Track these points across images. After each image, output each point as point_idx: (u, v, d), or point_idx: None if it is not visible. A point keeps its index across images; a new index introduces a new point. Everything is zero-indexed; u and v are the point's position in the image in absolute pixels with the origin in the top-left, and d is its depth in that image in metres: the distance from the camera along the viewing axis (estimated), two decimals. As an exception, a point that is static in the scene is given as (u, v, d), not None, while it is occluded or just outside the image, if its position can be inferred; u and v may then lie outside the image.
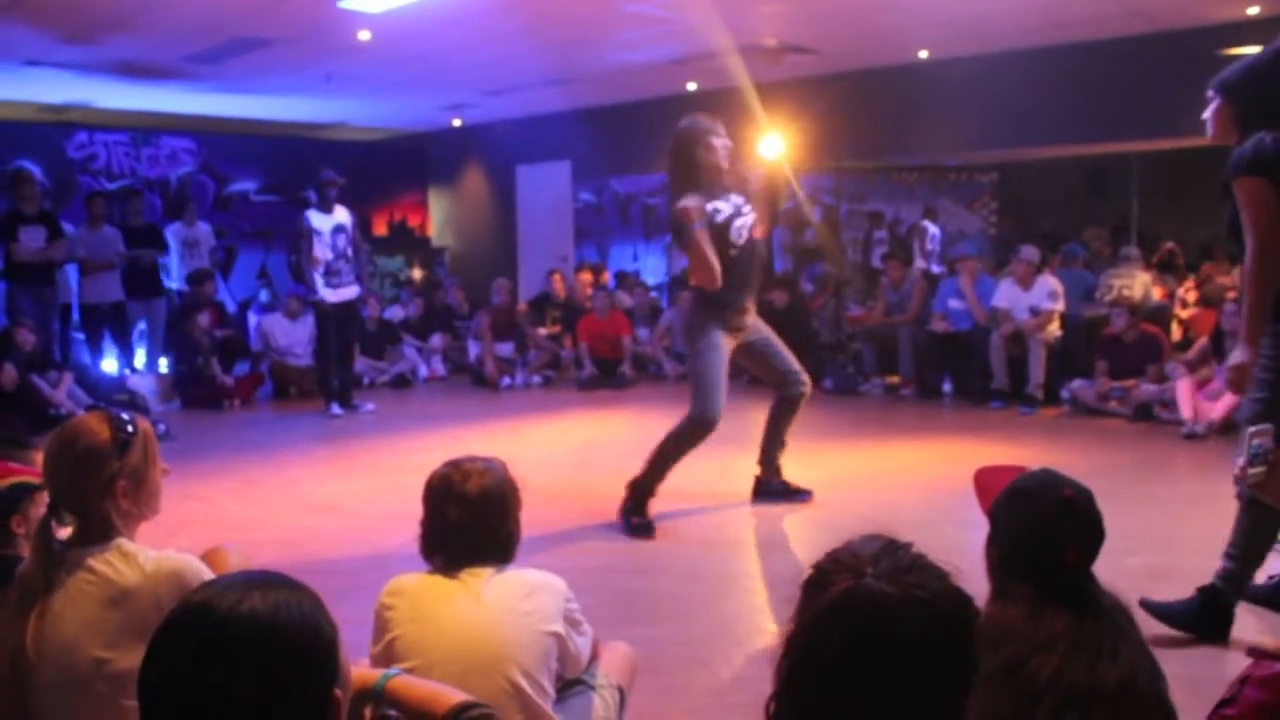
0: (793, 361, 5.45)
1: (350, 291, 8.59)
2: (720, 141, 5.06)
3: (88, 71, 9.89)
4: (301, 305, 9.87)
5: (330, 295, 8.45)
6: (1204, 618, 3.44)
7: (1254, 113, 3.41)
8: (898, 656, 1.19)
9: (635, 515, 5.11)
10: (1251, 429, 2.37)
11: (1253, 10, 8.06)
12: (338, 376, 8.83)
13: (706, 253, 4.87)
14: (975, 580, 1.34)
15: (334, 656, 1.18)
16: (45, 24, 8.12)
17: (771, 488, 5.62)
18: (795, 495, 5.59)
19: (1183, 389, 7.25)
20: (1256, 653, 1.67)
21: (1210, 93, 3.53)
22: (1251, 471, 2.36)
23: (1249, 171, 3.32)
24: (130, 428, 2.10)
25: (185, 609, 1.16)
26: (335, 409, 8.61)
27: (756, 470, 5.67)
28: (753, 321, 5.27)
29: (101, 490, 2.03)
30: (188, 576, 1.96)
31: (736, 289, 5.05)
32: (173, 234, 11.10)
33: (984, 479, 2.08)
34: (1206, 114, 3.55)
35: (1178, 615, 3.43)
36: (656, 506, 5.44)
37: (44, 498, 2.15)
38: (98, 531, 2.03)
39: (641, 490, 5.13)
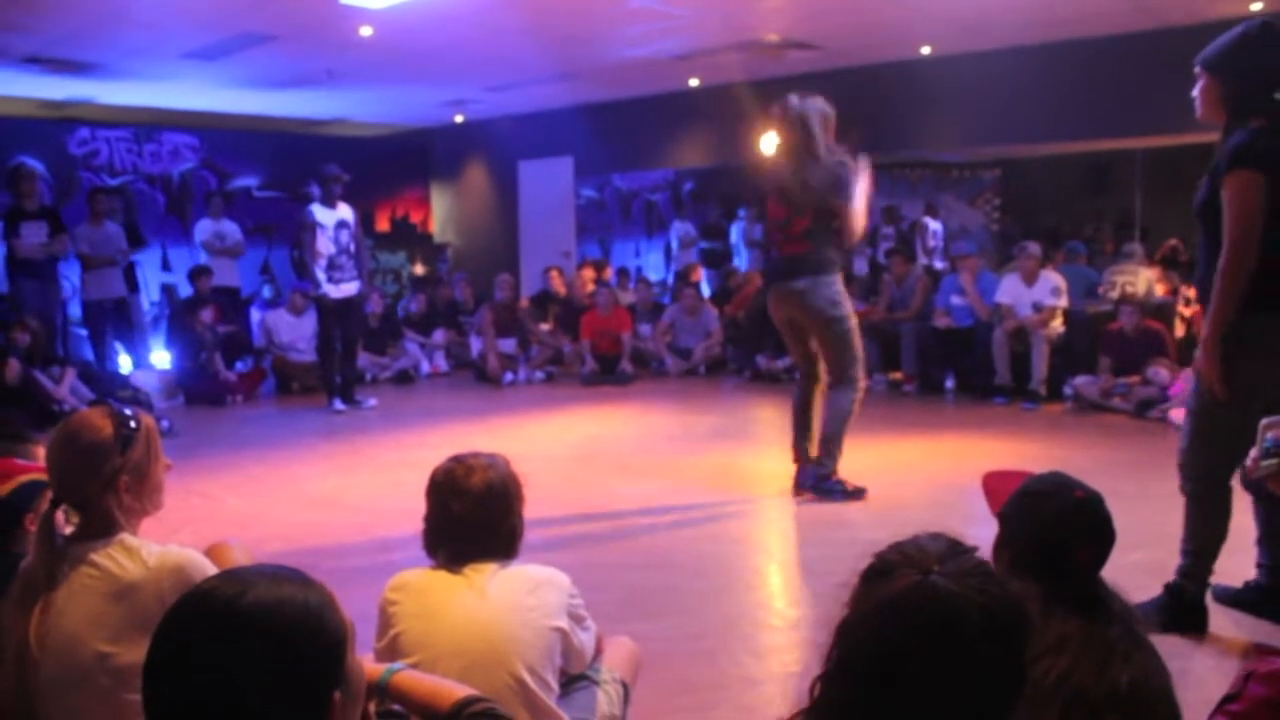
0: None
1: (351, 288, 8.59)
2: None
3: (90, 67, 9.88)
4: (306, 301, 9.87)
5: (332, 291, 8.46)
6: (1178, 613, 3.50)
7: (1240, 90, 3.34)
8: (955, 657, 1.19)
9: (842, 484, 5.41)
10: (1265, 421, 2.36)
11: (1256, 6, 8.05)
12: (341, 372, 8.86)
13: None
14: None
15: (338, 658, 1.17)
16: (48, 19, 8.12)
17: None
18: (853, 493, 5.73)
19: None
20: (1263, 649, 1.67)
21: (1196, 69, 3.45)
22: (1264, 464, 2.35)
23: (1242, 164, 3.23)
24: (133, 423, 2.10)
25: (191, 595, 1.17)
26: (338, 405, 8.63)
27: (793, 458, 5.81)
28: None
29: (104, 485, 2.03)
30: (191, 571, 1.95)
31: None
32: (200, 230, 11.11)
33: (992, 482, 2.07)
34: (1195, 91, 3.47)
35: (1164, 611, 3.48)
36: (659, 499, 5.49)
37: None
38: (100, 527, 2.03)
39: (832, 467, 5.44)
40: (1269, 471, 2.36)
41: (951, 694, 1.20)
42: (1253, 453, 2.39)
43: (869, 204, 5.44)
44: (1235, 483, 3.43)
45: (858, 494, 5.42)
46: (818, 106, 5.43)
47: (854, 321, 5.49)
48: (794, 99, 5.45)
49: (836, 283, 5.42)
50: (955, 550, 1.29)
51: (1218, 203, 3.31)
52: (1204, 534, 3.49)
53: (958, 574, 1.24)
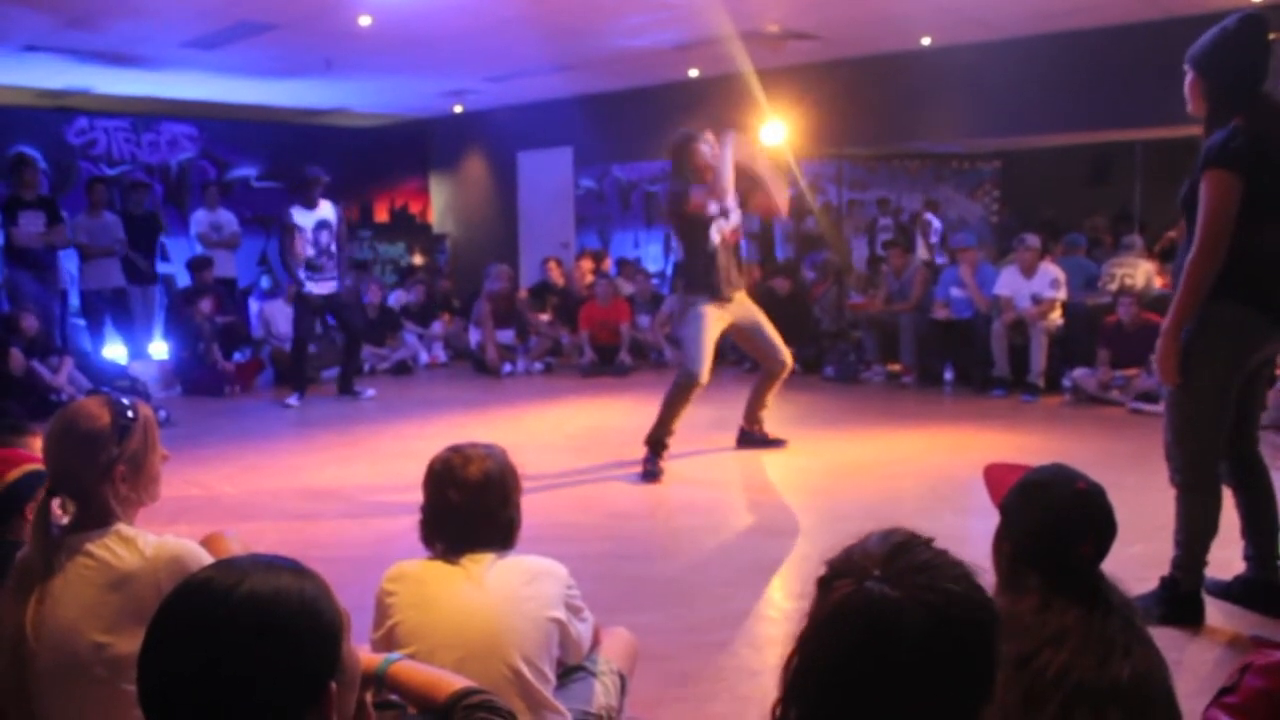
0: (777, 342, 6.23)
1: (331, 286, 8.57)
2: (705, 146, 5.87)
3: (88, 56, 9.86)
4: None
5: (312, 289, 8.47)
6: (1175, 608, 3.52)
7: (1222, 86, 3.39)
8: (901, 665, 1.14)
9: (649, 463, 5.83)
10: None
11: (1258, -3, 8.03)
12: (342, 365, 8.95)
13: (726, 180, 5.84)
14: (978, 570, 1.30)
15: (334, 647, 1.17)
16: (45, 8, 8.10)
17: (752, 437, 6.51)
18: (772, 444, 6.48)
19: None
20: (1259, 641, 1.67)
21: (1185, 65, 3.50)
22: None
23: (1218, 164, 3.29)
24: (130, 413, 2.09)
25: (187, 584, 1.17)
26: (292, 400, 8.60)
27: (741, 423, 6.55)
28: (740, 303, 6.08)
29: (100, 475, 2.02)
30: (188, 561, 1.95)
31: (717, 275, 5.90)
32: (196, 221, 11.09)
33: (994, 474, 2.07)
34: (1185, 88, 3.52)
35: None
36: (657, 491, 5.50)
37: None
38: (97, 517, 2.02)
39: (654, 443, 5.88)
40: None
41: (908, 701, 1.14)
42: None
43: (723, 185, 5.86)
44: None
45: (652, 475, 5.79)
46: (679, 143, 5.96)
47: (693, 325, 5.90)
48: (674, 134, 6.06)
49: (684, 293, 6.03)
50: (904, 548, 1.22)
51: (1197, 198, 3.37)
52: (1194, 524, 3.51)
53: (901, 574, 1.17)
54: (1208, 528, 3.51)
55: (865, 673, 1.15)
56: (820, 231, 12.04)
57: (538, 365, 10.63)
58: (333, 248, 8.54)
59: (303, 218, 8.43)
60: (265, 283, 12.07)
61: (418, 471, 2.33)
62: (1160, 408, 3.94)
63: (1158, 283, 8.94)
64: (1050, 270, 8.50)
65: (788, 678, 1.23)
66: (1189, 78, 3.49)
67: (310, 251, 8.41)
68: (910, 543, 1.23)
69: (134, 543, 1.99)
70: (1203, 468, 3.49)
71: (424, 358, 11.02)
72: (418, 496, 2.30)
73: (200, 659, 1.09)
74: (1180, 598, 3.52)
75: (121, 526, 2.02)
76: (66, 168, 11.91)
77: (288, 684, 1.12)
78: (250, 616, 1.12)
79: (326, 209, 8.53)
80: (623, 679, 2.42)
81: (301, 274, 8.42)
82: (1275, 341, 3.48)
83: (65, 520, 2.06)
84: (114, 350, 9.80)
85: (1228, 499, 3.59)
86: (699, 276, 5.91)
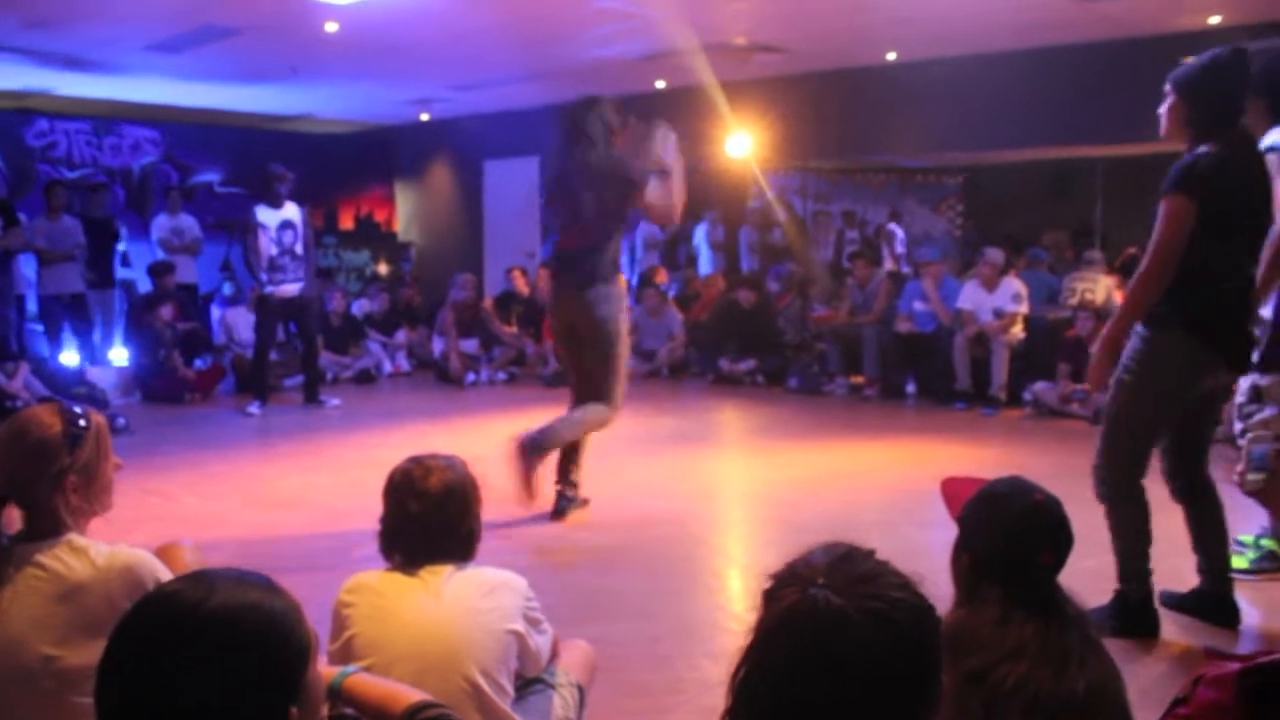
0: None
1: (294, 289, 8.51)
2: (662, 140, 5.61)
3: (50, 58, 9.74)
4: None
5: (274, 290, 8.41)
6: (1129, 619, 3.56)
7: (1205, 114, 3.41)
8: (846, 672, 1.14)
9: (569, 499, 5.30)
10: (1249, 435, 2.40)
11: (1214, 19, 8.16)
12: (303, 372, 8.88)
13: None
14: (937, 582, 1.31)
15: (298, 671, 1.14)
16: (7, 8, 7.99)
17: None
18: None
19: None
20: (1212, 653, 1.69)
21: (1166, 88, 3.52)
22: (1250, 478, 2.38)
23: (1178, 189, 3.33)
24: (83, 421, 2.06)
25: (155, 595, 1.15)
26: (253, 408, 8.51)
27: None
28: None
29: (51, 484, 1.99)
30: (140, 571, 1.92)
31: None
32: (157, 227, 10.97)
33: (951, 487, 2.08)
34: (1161, 109, 3.54)
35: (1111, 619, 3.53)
36: (618, 502, 5.48)
37: None
38: (47, 526, 1.99)
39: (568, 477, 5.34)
40: (1256, 485, 2.40)
41: (854, 710, 1.15)
42: (1238, 467, 2.43)
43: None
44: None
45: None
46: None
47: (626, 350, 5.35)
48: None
49: (618, 298, 5.25)
50: (847, 558, 1.23)
51: None
52: (1126, 535, 3.56)
53: (845, 583, 1.18)
54: (1141, 536, 3.55)
55: (812, 680, 1.15)
56: (786, 244, 12.10)
57: (501, 375, 10.59)
58: (297, 248, 8.46)
59: (267, 216, 8.37)
60: (227, 289, 11.95)
61: (378, 482, 2.31)
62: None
63: (1118, 297, 9.05)
64: (1012, 284, 8.59)
65: (735, 688, 1.23)
66: (1169, 100, 3.51)
67: (273, 250, 8.35)
68: (852, 554, 1.25)
69: (85, 553, 1.96)
70: (1126, 481, 3.53)
71: (387, 367, 10.95)
72: (378, 507, 2.28)
73: (162, 672, 1.07)
74: (1132, 610, 3.56)
75: (73, 536, 1.99)
76: (25, 170, 11.75)
77: (249, 705, 1.09)
78: (217, 631, 1.09)
79: (292, 210, 8.47)
80: (581, 691, 2.41)
81: (264, 275, 8.35)
82: (1221, 374, 3.49)
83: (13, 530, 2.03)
84: (71, 356, 9.67)
85: (1174, 512, 3.64)
86: (615, 265, 5.37)
